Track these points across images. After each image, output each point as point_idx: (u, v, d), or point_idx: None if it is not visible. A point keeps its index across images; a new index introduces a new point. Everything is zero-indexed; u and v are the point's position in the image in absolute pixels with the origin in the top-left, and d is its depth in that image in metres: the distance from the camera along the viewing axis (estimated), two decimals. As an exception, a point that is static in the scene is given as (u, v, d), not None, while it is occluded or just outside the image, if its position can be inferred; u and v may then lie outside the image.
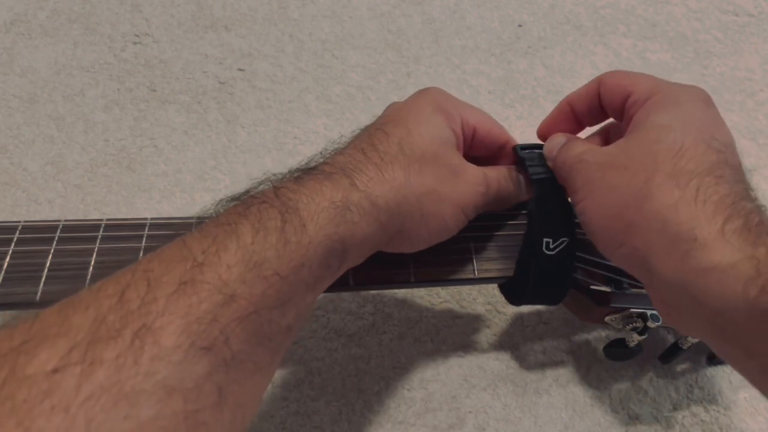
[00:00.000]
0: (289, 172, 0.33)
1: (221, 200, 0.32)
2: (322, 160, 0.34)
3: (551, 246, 0.38)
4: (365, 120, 0.60)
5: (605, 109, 0.38)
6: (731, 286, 0.27)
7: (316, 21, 0.69)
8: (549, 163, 0.39)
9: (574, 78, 0.65)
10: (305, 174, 0.32)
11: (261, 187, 0.32)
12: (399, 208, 0.33)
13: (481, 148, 0.40)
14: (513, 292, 0.42)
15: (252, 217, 0.28)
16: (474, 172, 0.37)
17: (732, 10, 0.72)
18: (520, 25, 0.70)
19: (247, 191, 0.32)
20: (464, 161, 0.37)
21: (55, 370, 0.21)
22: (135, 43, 0.66)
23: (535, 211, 0.39)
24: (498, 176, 0.39)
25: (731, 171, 0.31)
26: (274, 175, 0.33)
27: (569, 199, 0.38)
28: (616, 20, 0.70)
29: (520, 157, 0.40)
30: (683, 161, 0.31)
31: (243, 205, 0.29)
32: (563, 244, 0.38)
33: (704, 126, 0.32)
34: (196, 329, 0.24)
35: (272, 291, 0.27)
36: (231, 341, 0.25)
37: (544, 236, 0.38)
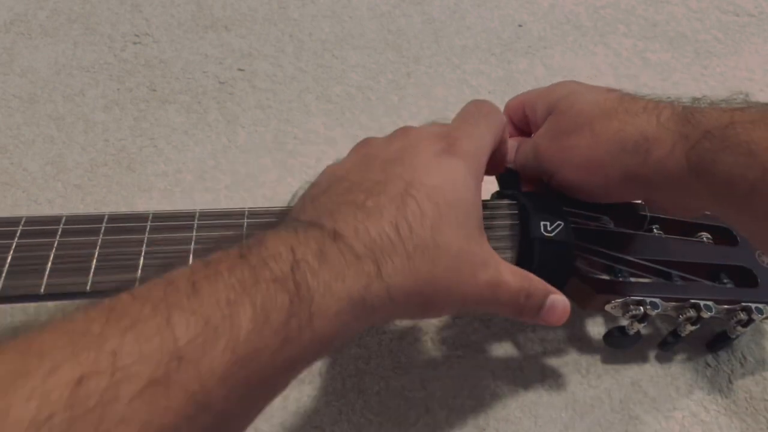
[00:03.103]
0: (315, 192, 0.31)
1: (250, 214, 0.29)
2: (350, 211, 0.30)
3: (549, 228, 0.38)
4: (365, 120, 0.61)
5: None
6: (677, 158, 0.35)
7: (316, 21, 0.69)
8: (513, 166, 0.44)
9: (574, 78, 0.65)
10: (333, 243, 0.28)
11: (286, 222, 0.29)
12: (410, 298, 0.31)
13: None
14: None
15: (258, 299, 0.24)
16: (488, 276, 0.34)
17: (732, 10, 0.72)
18: (520, 25, 0.70)
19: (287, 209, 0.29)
20: (485, 254, 0.34)
21: None
22: (135, 43, 0.66)
23: (526, 201, 0.40)
24: (511, 286, 0.35)
25: (634, 96, 0.39)
26: (301, 187, 0.31)
27: (548, 186, 0.42)
28: (616, 20, 0.70)
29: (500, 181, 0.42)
30: (602, 104, 0.39)
31: (251, 271, 0.25)
32: (559, 227, 0.38)
33: (594, 86, 0.42)
34: None
35: (249, 397, 0.24)
36: None
37: (540, 220, 0.38)
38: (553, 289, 0.37)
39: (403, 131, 0.37)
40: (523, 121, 0.47)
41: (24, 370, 0.20)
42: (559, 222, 0.39)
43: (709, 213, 0.42)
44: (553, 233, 0.38)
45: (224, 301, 0.23)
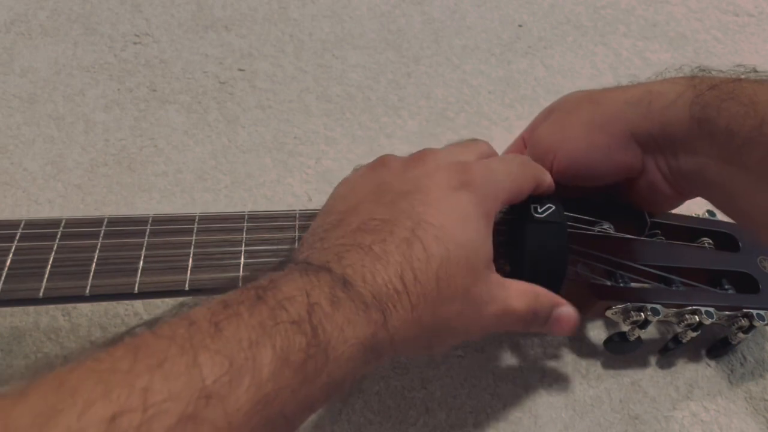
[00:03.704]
0: (323, 234, 0.32)
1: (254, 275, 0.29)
2: (357, 257, 0.30)
3: (539, 210, 0.38)
4: (365, 120, 0.61)
5: None
6: (680, 108, 0.36)
7: (316, 21, 0.69)
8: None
9: (574, 78, 0.65)
10: (343, 290, 0.28)
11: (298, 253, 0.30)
12: (412, 343, 0.31)
13: None
14: (513, 270, 0.41)
15: (277, 341, 0.25)
16: (494, 308, 0.34)
17: (732, 10, 0.72)
18: (520, 25, 0.70)
19: (286, 259, 0.29)
20: (490, 290, 0.34)
21: None
22: (135, 43, 0.66)
23: None
24: (517, 311, 0.35)
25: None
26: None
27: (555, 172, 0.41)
28: (616, 20, 0.70)
29: None
30: (593, 89, 0.42)
31: (270, 312, 0.26)
32: (550, 210, 0.38)
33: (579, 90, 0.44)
34: None
35: None
36: None
37: (530, 203, 0.38)
38: (560, 300, 0.37)
39: (422, 157, 0.36)
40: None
41: (58, 407, 0.20)
42: (549, 205, 0.38)
43: (700, 195, 0.41)
44: (544, 215, 0.38)
45: (246, 342, 0.24)
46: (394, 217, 0.32)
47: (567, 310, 0.37)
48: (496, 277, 0.34)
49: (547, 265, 0.38)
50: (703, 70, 0.38)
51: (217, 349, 0.23)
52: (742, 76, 0.36)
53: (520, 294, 0.35)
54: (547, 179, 0.39)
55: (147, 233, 0.37)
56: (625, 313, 0.42)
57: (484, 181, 0.34)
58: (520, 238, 0.38)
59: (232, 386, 0.23)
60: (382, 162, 0.37)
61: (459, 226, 0.32)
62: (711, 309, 0.42)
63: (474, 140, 0.40)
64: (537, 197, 0.39)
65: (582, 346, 0.48)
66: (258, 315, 0.25)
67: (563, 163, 0.40)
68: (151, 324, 0.24)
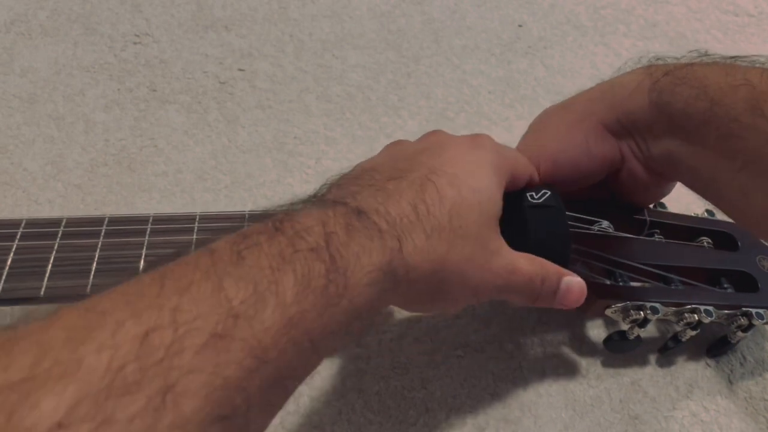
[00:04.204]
0: (333, 184, 0.33)
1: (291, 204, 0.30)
2: (371, 192, 0.32)
3: (535, 196, 0.39)
4: (365, 120, 0.61)
5: None
6: (640, 96, 0.38)
7: (316, 21, 0.69)
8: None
9: (574, 78, 0.65)
10: (358, 219, 0.29)
11: (325, 191, 0.32)
12: (425, 279, 0.32)
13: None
14: None
15: (298, 267, 0.26)
16: (503, 262, 0.35)
17: (732, 10, 0.72)
18: (520, 25, 0.70)
19: (313, 195, 0.31)
20: (500, 243, 0.35)
21: (60, 425, 0.18)
22: (135, 43, 0.66)
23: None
24: (526, 272, 0.36)
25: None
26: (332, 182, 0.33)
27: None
28: (616, 20, 0.70)
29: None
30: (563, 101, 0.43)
31: (289, 242, 0.26)
32: (546, 195, 0.38)
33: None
34: (221, 395, 0.21)
35: (301, 359, 0.26)
36: (250, 410, 0.23)
37: (526, 192, 0.39)
38: (566, 271, 0.37)
39: (434, 132, 0.39)
40: None
41: (91, 326, 0.20)
42: (545, 191, 0.39)
43: (677, 178, 0.42)
44: (541, 200, 0.38)
45: (268, 269, 0.25)
46: (410, 166, 0.34)
47: (576, 280, 0.37)
48: (502, 239, 0.36)
49: (550, 249, 0.38)
50: (659, 59, 0.40)
51: (241, 275, 0.24)
52: (695, 61, 0.38)
53: (527, 259, 0.36)
54: (536, 177, 0.41)
55: (148, 232, 0.38)
56: (625, 312, 0.42)
57: (496, 148, 0.37)
58: (521, 226, 0.38)
59: (258, 308, 0.23)
60: (395, 142, 0.39)
61: (472, 175, 0.34)
62: (710, 308, 0.42)
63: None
64: (531, 187, 0.39)
65: (582, 346, 0.48)
66: (277, 245, 0.26)
67: (548, 168, 0.41)
68: (173, 258, 0.25)
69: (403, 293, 0.31)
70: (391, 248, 0.30)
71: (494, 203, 0.35)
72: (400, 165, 0.34)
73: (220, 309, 0.23)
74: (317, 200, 0.32)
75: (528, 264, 0.36)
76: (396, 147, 0.38)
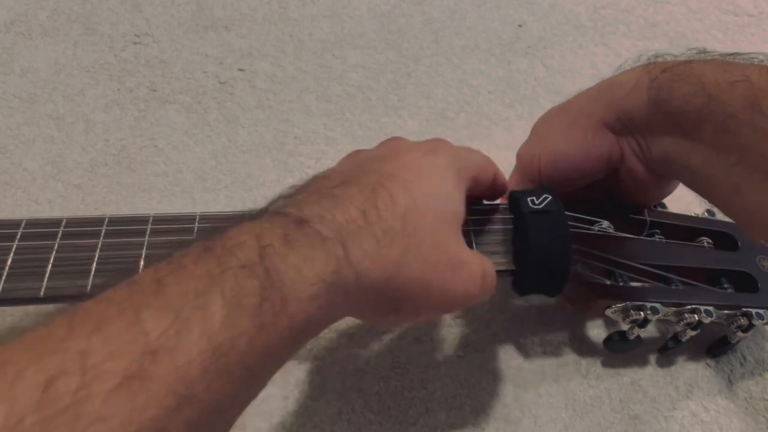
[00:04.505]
0: (283, 196, 0.30)
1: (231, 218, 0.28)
2: (316, 198, 0.29)
3: (536, 201, 0.39)
4: (365, 120, 0.61)
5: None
6: (638, 94, 0.38)
7: (316, 21, 0.69)
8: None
9: (574, 78, 0.65)
10: (298, 228, 0.27)
11: (274, 205, 0.29)
12: (380, 288, 0.30)
13: (477, 194, 0.40)
14: (521, 267, 0.40)
15: (227, 287, 0.23)
16: (471, 270, 0.34)
17: (732, 10, 0.72)
18: (520, 25, 0.70)
19: (248, 212, 0.28)
20: (465, 250, 0.34)
21: None
22: (135, 43, 0.66)
23: (514, 191, 0.41)
24: (492, 271, 0.36)
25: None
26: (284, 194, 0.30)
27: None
28: (616, 20, 0.70)
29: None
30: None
31: (218, 261, 0.24)
32: (547, 200, 0.39)
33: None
34: None
35: (236, 388, 0.23)
36: None
37: (527, 197, 0.39)
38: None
39: (392, 138, 0.37)
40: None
41: None
42: (546, 195, 0.39)
43: (675, 177, 0.42)
44: (542, 205, 0.38)
45: (192, 293, 0.23)
46: (362, 171, 0.32)
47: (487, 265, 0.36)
48: (464, 244, 0.34)
49: (551, 254, 0.38)
50: (658, 56, 0.40)
51: (161, 304, 0.22)
52: (693, 58, 0.38)
53: (478, 257, 0.35)
54: (501, 177, 0.40)
55: (148, 232, 0.37)
56: (625, 312, 0.42)
57: (453, 152, 0.36)
58: (522, 232, 0.38)
59: (180, 338, 0.21)
60: (354, 151, 0.37)
61: (428, 179, 0.33)
62: (710, 308, 0.42)
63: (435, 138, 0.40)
64: (531, 191, 0.39)
65: (582, 346, 0.48)
66: (204, 264, 0.24)
67: (549, 166, 0.42)
68: (97, 293, 0.23)
69: (355, 303, 0.29)
70: (336, 256, 0.27)
71: (453, 207, 0.34)
72: (353, 172, 0.32)
73: (135, 346, 0.21)
74: (255, 213, 0.29)
75: (483, 261, 0.35)
76: (353, 155, 0.36)
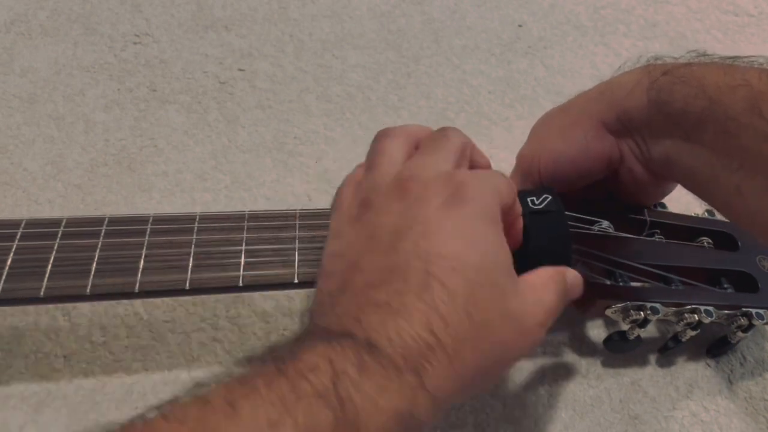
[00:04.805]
0: (330, 294, 0.29)
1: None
2: (372, 310, 0.27)
3: (536, 202, 0.38)
4: (365, 120, 0.61)
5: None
6: (638, 95, 0.38)
7: (316, 21, 0.69)
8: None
9: (574, 78, 0.65)
10: (370, 354, 0.25)
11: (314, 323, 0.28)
12: (459, 394, 0.28)
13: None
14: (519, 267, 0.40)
15: (299, 418, 0.22)
16: (537, 320, 0.31)
17: (732, 10, 0.72)
18: (520, 25, 0.70)
19: (305, 332, 0.27)
20: (522, 299, 0.31)
21: None
22: (135, 43, 0.66)
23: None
24: (554, 302, 0.33)
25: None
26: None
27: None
28: (616, 20, 0.70)
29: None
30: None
31: (291, 386, 0.23)
32: (547, 200, 0.38)
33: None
34: None
35: None
36: None
37: (527, 197, 0.39)
38: (563, 269, 0.35)
39: (402, 183, 0.32)
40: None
41: None
42: (545, 195, 0.39)
43: (675, 179, 0.42)
44: (542, 205, 0.38)
45: (265, 422, 0.22)
46: (401, 262, 0.29)
47: (573, 274, 0.35)
48: (522, 287, 0.32)
49: (551, 254, 0.38)
50: (658, 58, 0.40)
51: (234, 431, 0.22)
52: (693, 61, 0.38)
53: (543, 284, 0.33)
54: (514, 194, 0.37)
55: (148, 232, 0.37)
56: (625, 312, 0.42)
57: (478, 189, 0.31)
58: (524, 237, 0.38)
59: None
60: (364, 204, 0.33)
61: (470, 247, 0.29)
62: (710, 308, 0.42)
63: (443, 134, 0.37)
64: (531, 191, 0.39)
65: (582, 346, 0.48)
66: (277, 389, 0.23)
67: (549, 167, 0.42)
68: (164, 407, 0.23)
69: (436, 418, 0.28)
70: (410, 386, 0.26)
71: (502, 265, 0.31)
72: (387, 261, 0.29)
73: None
74: (318, 329, 0.28)
75: (550, 292, 0.33)
76: (365, 215, 0.32)
